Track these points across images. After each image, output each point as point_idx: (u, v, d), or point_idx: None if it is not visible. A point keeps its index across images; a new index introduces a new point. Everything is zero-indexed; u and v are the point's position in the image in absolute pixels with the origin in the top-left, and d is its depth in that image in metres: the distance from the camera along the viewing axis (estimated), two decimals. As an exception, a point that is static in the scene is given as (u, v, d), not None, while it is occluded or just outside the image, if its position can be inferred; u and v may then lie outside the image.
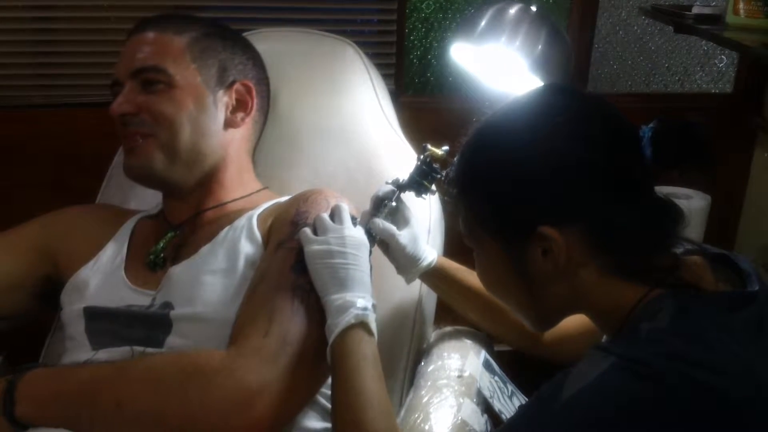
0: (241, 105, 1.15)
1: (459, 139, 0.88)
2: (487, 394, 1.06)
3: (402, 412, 1.04)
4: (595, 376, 0.68)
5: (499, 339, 1.20)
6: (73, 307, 1.08)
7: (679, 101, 2.04)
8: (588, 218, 0.77)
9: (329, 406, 0.95)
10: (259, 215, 1.08)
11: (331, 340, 0.87)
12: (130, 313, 1.03)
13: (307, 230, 0.96)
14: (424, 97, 2.22)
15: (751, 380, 0.68)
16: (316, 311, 0.91)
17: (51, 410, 0.86)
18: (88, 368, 0.91)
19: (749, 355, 0.69)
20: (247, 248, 1.03)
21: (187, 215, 1.13)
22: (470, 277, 1.09)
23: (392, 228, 1.03)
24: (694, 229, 1.62)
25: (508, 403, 1.10)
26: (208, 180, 1.13)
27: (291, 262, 0.95)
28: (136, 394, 0.84)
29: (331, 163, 1.30)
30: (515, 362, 1.19)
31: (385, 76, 1.54)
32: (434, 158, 1.04)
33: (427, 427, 0.97)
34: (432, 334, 1.26)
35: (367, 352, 0.86)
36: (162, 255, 1.09)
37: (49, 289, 1.15)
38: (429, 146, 1.04)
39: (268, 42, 1.33)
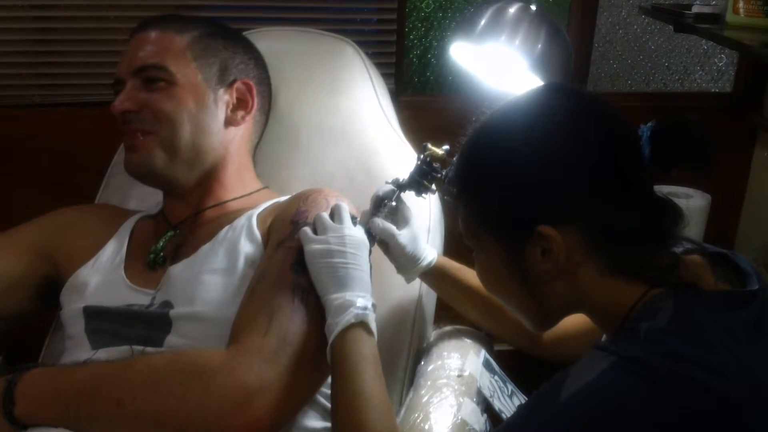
0: (241, 103, 1.16)
1: (459, 138, 0.88)
2: (487, 393, 1.06)
3: (402, 412, 1.04)
4: (595, 375, 0.68)
5: (499, 338, 1.20)
6: (72, 306, 1.08)
7: (679, 100, 2.04)
8: (587, 218, 0.77)
9: (329, 405, 0.95)
10: (258, 215, 1.08)
11: (330, 339, 0.87)
12: (130, 313, 1.03)
13: (307, 229, 0.96)
14: (423, 97, 2.23)
15: (751, 380, 0.68)
16: (316, 311, 0.91)
17: (50, 410, 0.86)
18: (88, 368, 0.91)
19: (748, 355, 0.69)
20: (246, 248, 1.03)
21: (187, 214, 1.13)
22: (470, 276, 1.09)
23: (392, 228, 1.03)
24: (693, 228, 1.62)
25: (508, 402, 1.10)
26: (209, 178, 1.13)
27: (291, 261, 0.95)
28: (135, 393, 0.84)
29: (331, 162, 1.30)
30: (515, 361, 1.19)
31: (385, 76, 1.54)
32: (434, 158, 1.03)
33: (426, 427, 0.97)
34: (432, 334, 1.26)
35: (366, 352, 0.86)
36: (162, 254, 1.09)
37: (48, 289, 1.15)
38: (429, 146, 1.04)
39: (267, 41, 1.33)
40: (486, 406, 1.05)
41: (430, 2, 2.25)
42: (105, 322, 1.04)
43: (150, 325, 1.00)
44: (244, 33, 1.32)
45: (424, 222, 1.22)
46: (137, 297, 1.05)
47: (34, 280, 1.14)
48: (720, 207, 1.73)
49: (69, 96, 1.74)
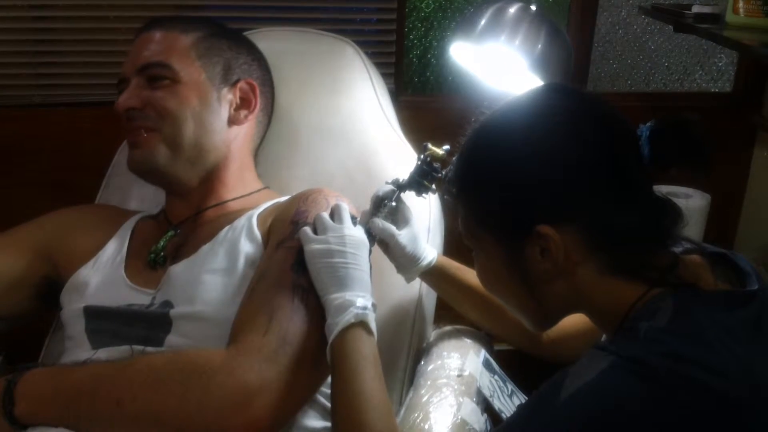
0: (244, 103, 1.17)
1: (458, 138, 0.88)
2: (486, 393, 1.06)
3: (402, 412, 1.04)
4: (594, 375, 0.68)
5: (499, 338, 1.20)
6: (72, 306, 1.08)
7: (679, 100, 2.04)
8: (586, 217, 0.77)
9: (329, 405, 0.95)
10: (258, 215, 1.08)
11: (330, 339, 0.87)
12: (130, 312, 1.03)
13: (307, 229, 0.96)
14: (423, 97, 2.23)
15: (750, 380, 0.68)
16: (316, 310, 0.91)
17: (50, 409, 0.86)
18: (88, 367, 0.91)
19: (748, 355, 0.69)
20: (246, 248, 1.03)
21: (188, 214, 1.14)
22: (470, 276, 1.09)
23: (392, 228, 1.03)
24: (693, 228, 1.62)
25: (508, 402, 1.10)
26: (210, 177, 1.14)
27: (291, 261, 0.95)
28: (135, 393, 0.84)
29: (331, 162, 1.30)
30: (515, 361, 1.19)
31: (385, 76, 1.54)
32: (435, 158, 1.03)
33: (426, 426, 0.97)
34: (432, 333, 1.26)
35: (366, 352, 0.87)
36: (162, 254, 1.09)
37: (48, 289, 1.15)
38: (429, 146, 1.04)
39: (267, 41, 1.33)
40: (486, 406, 1.05)
41: (430, 2, 2.25)
42: (105, 322, 1.04)
43: (150, 325, 1.00)
44: (244, 33, 1.32)
45: (424, 222, 1.22)
46: (137, 297, 1.05)
47: (34, 280, 1.14)
48: (720, 207, 1.73)
49: (69, 96, 1.74)
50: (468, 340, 1.19)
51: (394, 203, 1.04)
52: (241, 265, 1.01)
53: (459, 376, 1.07)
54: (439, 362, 1.12)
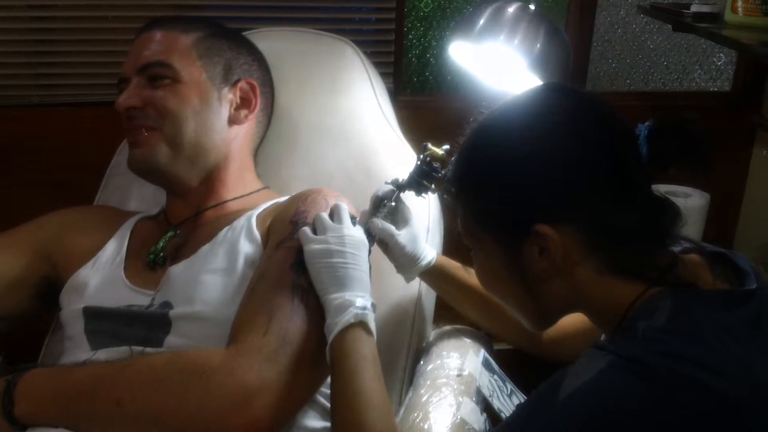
0: (245, 103, 1.17)
1: (458, 138, 0.88)
2: (486, 392, 1.06)
3: (401, 411, 1.04)
4: (593, 374, 0.68)
5: (498, 338, 1.20)
6: (72, 307, 1.08)
7: (678, 99, 2.04)
8: (585, 217, 0.77)
9: (329, 405, 0.95)
10: (258, 215, 1.08)
11: (330, 339, 0.87)
12: (130, 313, 1.03)
13: (307, 229, 0.96)
14: (422, 96, 2.23)
15: (749, 379, 0.68)
16: (316, 310, 0.91)
17: (50, 410, 0.86)
18: (88, 368, 0.91)
19: (747, 354, 0.69)
20: (246, 248, 1.03)
21: (188, 214, 1.14)
22: (469, 275, 1.09)
23: (391, 228, 1.03)
24: (692, 228, 1.63)
25: (508, 401, 1.10)
26: (210, 177, 1.14)
27: (290, 261, 0.95)
28: (135, 393, 0.84)
29: (330, 162, 1.30)
30: (514, 361, 1.19)
31: (384, 75, 1.54)
32: (434, 158, 1.03)
33: (426, 426, 0.97)
34: (431, 333, 1.26)
35: (366, 352, 0.87)
36: (162, 254, 1.09)
37: (48, 290, 1.15)
38: (429, 145, 1.04)
39: (266, 41, 1.33)
40: (485, 406, 1.05)
41: (429, 2, 2.25)
42: (104, 323, 1.04)
43: (149, 326, 1.00)
44: (244, 33, 1.32)
45: (424, 222, 1.22)
46: (137, 297, 1.05)
47: (34, 281, 1.14)
48: (719, 206, 1.73)
49: (68, 96, 1.73)
50: (467, 340, 1.19)
51: (393, 203, 1.04)
52: (240, 266, 1.01)
53: (458, 375, 1.07)
54: (439, 362, 1.12)
